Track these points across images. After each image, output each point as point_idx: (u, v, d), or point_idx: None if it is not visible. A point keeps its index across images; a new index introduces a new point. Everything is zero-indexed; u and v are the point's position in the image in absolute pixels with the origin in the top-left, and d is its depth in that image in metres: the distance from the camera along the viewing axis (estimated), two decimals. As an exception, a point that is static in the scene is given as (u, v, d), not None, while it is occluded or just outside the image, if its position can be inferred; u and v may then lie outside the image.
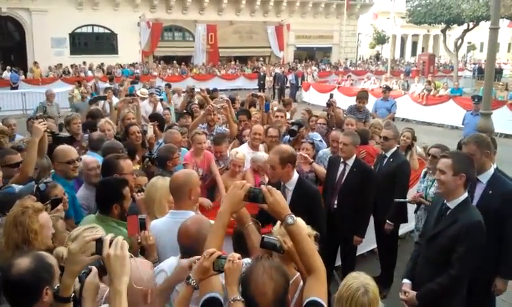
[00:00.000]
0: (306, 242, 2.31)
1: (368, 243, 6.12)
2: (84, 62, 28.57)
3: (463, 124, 11.07)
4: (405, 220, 5.63)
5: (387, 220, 5.42)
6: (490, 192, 3.91)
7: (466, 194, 3.43)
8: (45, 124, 4.34)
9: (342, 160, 5.14)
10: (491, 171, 4.00)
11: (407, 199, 5.33)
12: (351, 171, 5.07)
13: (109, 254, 1.96)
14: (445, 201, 3.50)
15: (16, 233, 2.68)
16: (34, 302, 2.07)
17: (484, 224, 3.34)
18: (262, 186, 2.35)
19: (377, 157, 5.91)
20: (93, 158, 4.62)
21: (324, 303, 2.21)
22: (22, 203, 2.82)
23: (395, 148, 5.65)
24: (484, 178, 3.97)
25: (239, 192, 2.30)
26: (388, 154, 5.62)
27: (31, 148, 4.21)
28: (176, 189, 3.41)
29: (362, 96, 9.08)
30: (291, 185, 4.07)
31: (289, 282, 2.11)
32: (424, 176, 5.31)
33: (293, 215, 2.30)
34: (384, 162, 5.63)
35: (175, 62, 31.71)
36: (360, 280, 2.52)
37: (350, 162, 5.09)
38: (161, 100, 10.10)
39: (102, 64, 29.10)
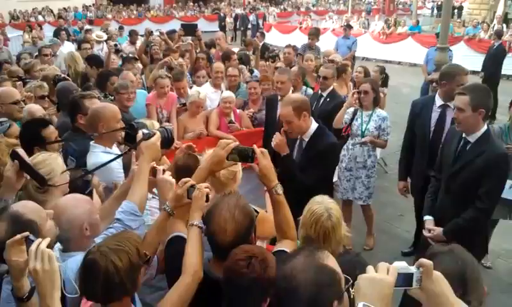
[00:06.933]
0: (288, 211, 2.32)
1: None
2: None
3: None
4: None
5: None
6: None
7: (486, 127, 3.30)
8: None
9: (279, 98, 5.07)
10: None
11: (367, 139, 4.90)
12: None
13: (36, 270, 1.69)
14: (464, 135, 3.39)
15: None
16: None
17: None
18: (255, 146, 2.27)
19: (313, 95, 5.66)
20: (38, 107, 4.43)
21: None
22: None
23: (331, 87, 5.54)
24: None
25: (221, 153, 2.26)
26: (325, 93, 5.50)
27: None
28: (88, 119, 3.52)
29: (313, 33, 9.32)
30: (308, 136, 3.67)
31: (254, 221, 2.06)
32: (354, 114, 5.01)
33: (281, 186, 2.29)
34: (321, 101, 5.49)
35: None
36: (324, 205, 2.56)
37: None
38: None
39: (65, 9, 27.45)
